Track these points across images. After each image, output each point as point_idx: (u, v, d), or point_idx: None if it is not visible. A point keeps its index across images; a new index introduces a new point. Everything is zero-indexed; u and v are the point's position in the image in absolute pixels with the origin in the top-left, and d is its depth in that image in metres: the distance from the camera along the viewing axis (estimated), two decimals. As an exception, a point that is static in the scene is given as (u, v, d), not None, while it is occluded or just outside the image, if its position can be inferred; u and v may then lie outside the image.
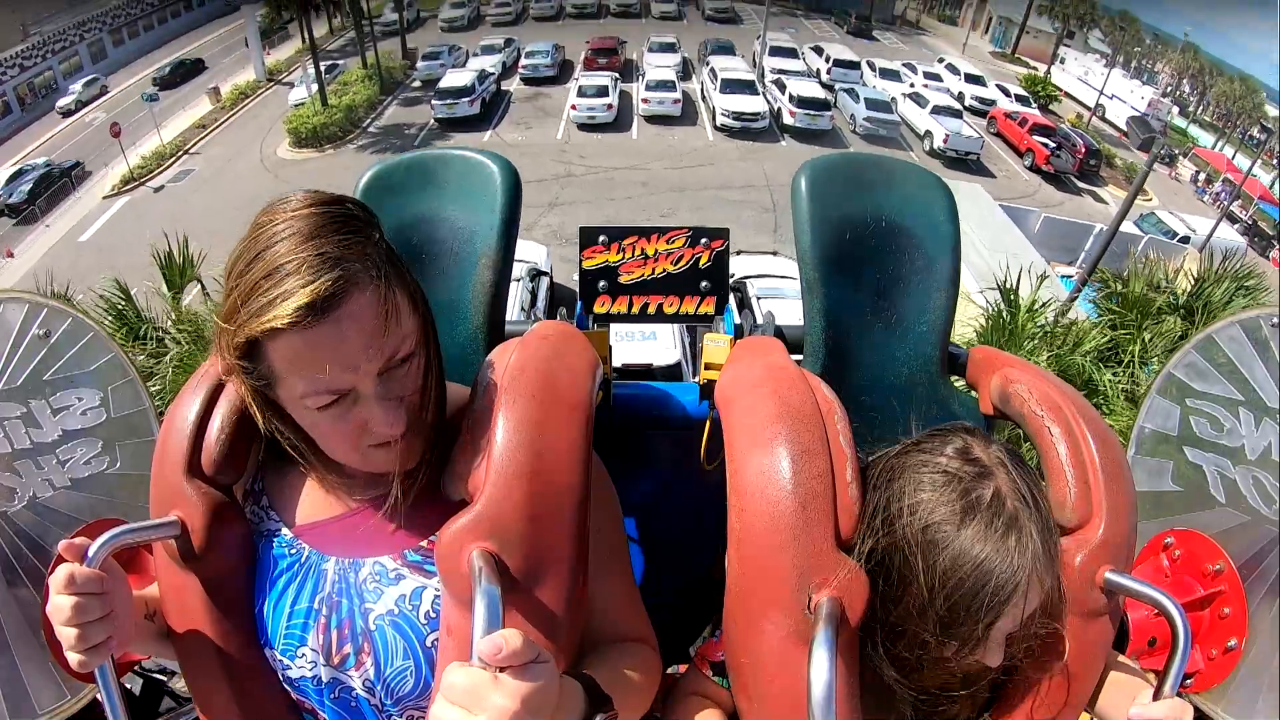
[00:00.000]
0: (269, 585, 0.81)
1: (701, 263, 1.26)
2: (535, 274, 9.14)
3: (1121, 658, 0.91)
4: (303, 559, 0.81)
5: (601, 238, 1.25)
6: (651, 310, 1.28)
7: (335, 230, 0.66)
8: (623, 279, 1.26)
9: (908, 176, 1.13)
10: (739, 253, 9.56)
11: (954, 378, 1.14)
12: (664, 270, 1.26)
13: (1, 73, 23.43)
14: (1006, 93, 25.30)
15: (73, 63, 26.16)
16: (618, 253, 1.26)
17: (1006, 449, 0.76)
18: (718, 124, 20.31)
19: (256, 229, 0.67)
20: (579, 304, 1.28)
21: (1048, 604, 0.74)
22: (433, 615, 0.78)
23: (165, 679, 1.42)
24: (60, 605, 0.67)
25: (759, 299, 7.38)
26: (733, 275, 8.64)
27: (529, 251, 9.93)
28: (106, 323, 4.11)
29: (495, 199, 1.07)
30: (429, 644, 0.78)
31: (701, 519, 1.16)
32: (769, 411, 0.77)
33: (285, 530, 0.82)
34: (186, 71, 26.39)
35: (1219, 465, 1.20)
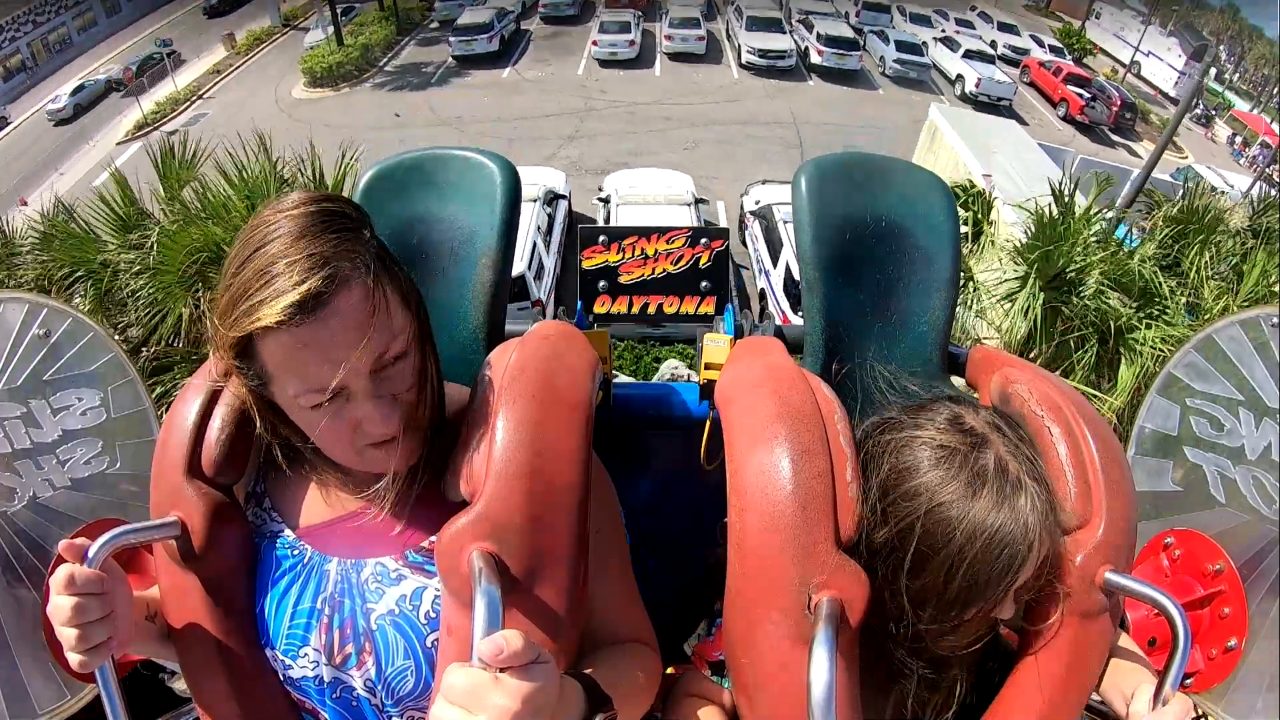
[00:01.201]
0: (271, 585, 0.81)
1: (701, 263, 1.26)
2: (552, 197, 8.97)
3: (1125, 637, 0.91)
4: (305, 560, 0.81)
5: (601, 238, 1.25)
6: (651, 310, 1.28)
7: (325, 229, 0.66)
8: (623, 279, 1.26)
9: (908, 177, 1.13)
10: (765, 181, 11.00)
11: (954, 378, 1.14)
12: (664, 270, 1.27)
13: (15, 29, 22.68)
14: (1040, 43, 24.30)
15: (87, 18, 25.25)
16: (617, 253, 1.26)
17: (995, 411, 0.79)
18: (743, 62, 19.62)
19: (251, 229, 0.67)
20: (579, 304, 1.28)
21: (1051, 551, 0.75)
22: (433, 615, 0.78)
23: (165, 679, 1.42)
24: (60, 606, 0.67)
25: (785, 223, 8.58)
26: (759, 202, 9.55)
27: (545, 176, 9.81)
28: (99, 218, 3.97)
29: (495, 199, 1.07)
30: (429, 644, 0.78)
31: (701, 519, 1.16)
32: (769, 411, 0.77)
33: (288, 532, 0.82)
34: None
35: (1219, 465, 1.20)
